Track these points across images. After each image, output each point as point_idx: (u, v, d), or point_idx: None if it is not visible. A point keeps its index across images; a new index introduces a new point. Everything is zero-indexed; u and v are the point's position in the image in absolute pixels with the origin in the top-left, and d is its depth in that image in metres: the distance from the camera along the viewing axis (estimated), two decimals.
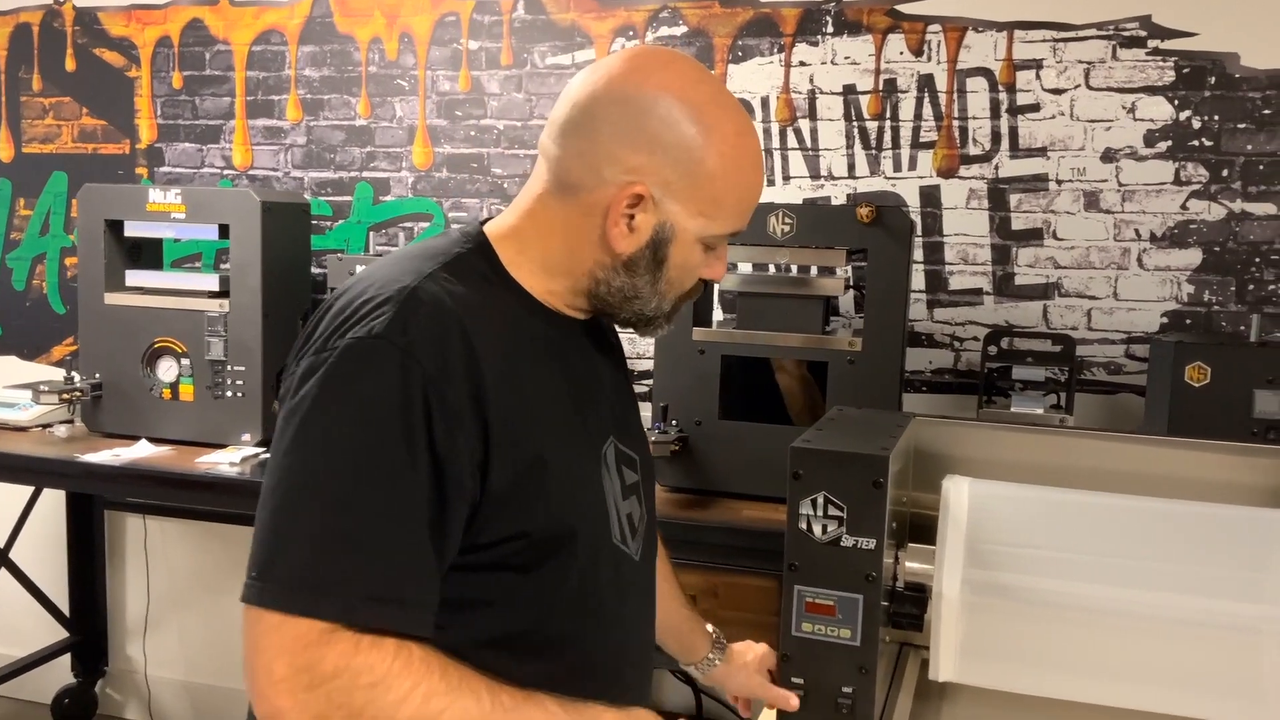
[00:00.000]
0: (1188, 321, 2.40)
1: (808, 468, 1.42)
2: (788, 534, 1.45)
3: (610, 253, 1.08)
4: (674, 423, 2.23)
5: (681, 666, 1.52)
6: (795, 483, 1.43)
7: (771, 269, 2.59)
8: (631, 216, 1.06)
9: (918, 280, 2.55)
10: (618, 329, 1.26)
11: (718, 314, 2.51)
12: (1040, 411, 2.19)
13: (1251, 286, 2.37)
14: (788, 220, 2.15)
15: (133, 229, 2.69)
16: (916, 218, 2.54)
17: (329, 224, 3.03)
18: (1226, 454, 1.55)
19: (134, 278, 2.72)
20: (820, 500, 1.42)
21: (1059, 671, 1.44)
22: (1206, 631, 1.36)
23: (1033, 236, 2.48)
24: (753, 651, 1.53)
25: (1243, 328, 2.34)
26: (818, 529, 1.42)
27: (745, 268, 2.58)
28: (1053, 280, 2.47)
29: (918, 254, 2.55)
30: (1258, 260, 2.37)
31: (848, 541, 1.40)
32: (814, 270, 2.47)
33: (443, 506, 0.94)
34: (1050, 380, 2.28)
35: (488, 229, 1.12)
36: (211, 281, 2.64)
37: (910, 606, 1.48)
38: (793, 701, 1.37)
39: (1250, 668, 1.32)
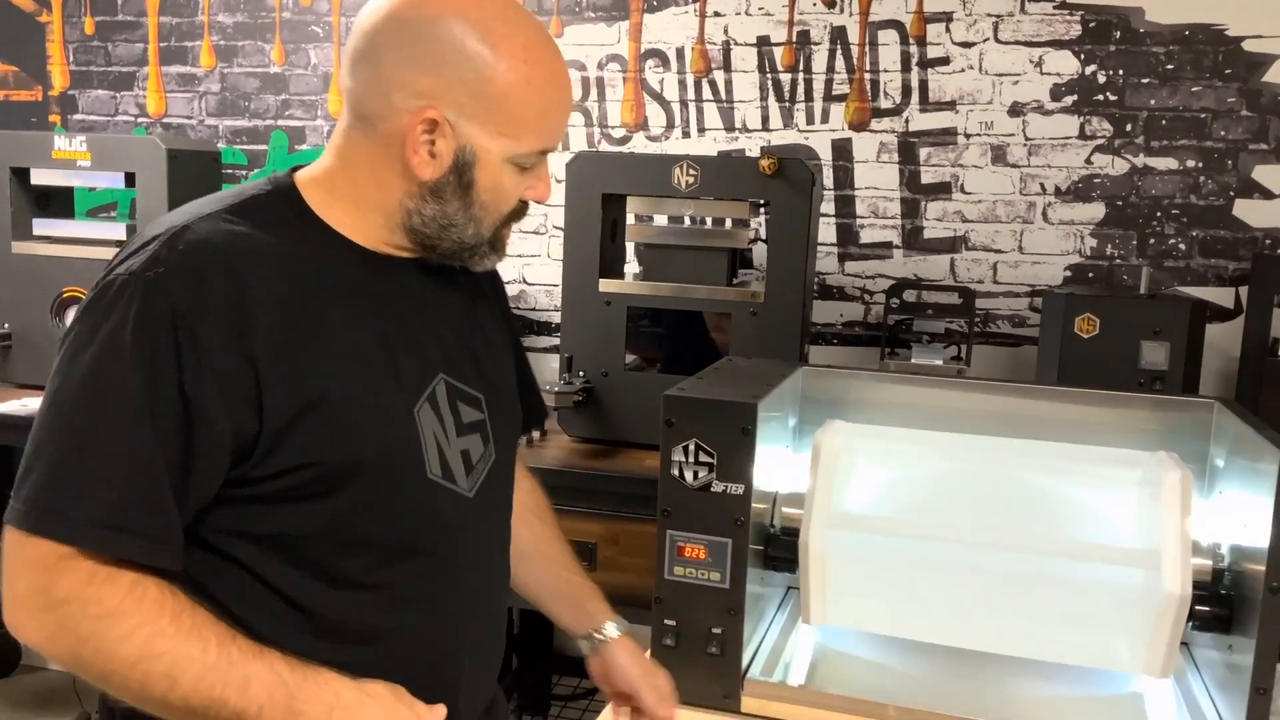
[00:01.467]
0: (1090, 275, 2.45)
1: (679, 415, 1.45)
2: (660, 480, 1.48)
3: (415, 181, 1.06)
4: (580, 374, 2.25)
5: (572, 636, 1.41)
6: (668, 430, 1.46)
7: (687, 221, 2.60)
8: (432, 142, 1.04)
9: (829, 234, 2.58)
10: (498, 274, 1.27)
11: (633, 267, 2.52)
12: (939, 363, 2.23)
13: (1152, 240, 2.42)
14: (692, 172, 2.16)
15: (39, 177, 2.65)
16: (828, 171, 2.56)
17: (244, 173, 3.00)
18: (1098, 404, 1.59)
19: (42, 227, 2.68)
20: (691, 447, 1.45)
21: (925, 614, 1.48)
22: (1072, 571, 1.41)
23: (941, 190, 2.51)
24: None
25: (1132, 279, 2.40)
26: (689, 475, 1.45)
27: (661, 220, 2.59)
28: (960, 234, 2.51)
29: (829, 207, 2.57)
30: (1159, 215, 2.41)
31: (718, 487, 1.44)
32: (729, 223, 2.48)
33: (189, 442, 0.95)
34: (951, 332, 2.32)
35: (299, 174, 1.11)
36: (119, 231, 2.61)
37: (785, 550, 1.52)
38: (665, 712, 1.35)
39: (1121, 609, 1.37)
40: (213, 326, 0.95)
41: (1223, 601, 1.39)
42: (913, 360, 2.24)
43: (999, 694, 1.47)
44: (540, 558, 1.38)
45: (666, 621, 1.47)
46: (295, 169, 1.13)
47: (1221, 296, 2.40)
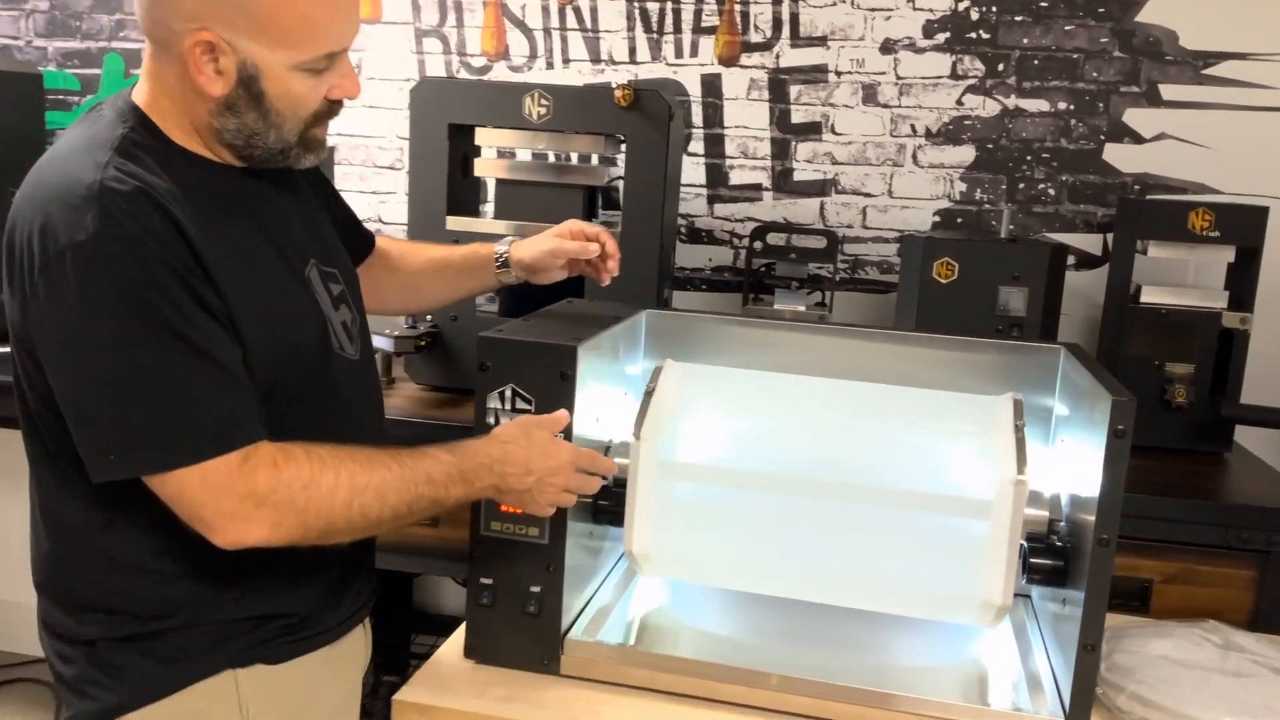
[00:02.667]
0: (959, 220, 2.41)
1: (495, 358, 1.35)
2: (475, 428, 1.38)
3: (209, 99, 1.13)
4: (427, 318, 2.12)
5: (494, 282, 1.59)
6: (483, 375, 1.36)
7: (552, 157, 2.48)
8: (215, 60, 1.10)
9: (698, 174, 2.48)
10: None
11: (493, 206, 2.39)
12: (802, 308, 2.16)
13: (1022, 185, 2.38)
14: (544, 102, 2.04)
15: None
16: (697, 109, 2.46)
17: (76, 99, 2.77)
18: (948, 349, 1.54)
19: None
20: (508, 393, 1.35)
21: (759, 566, 1.42)
22: (906, 521, 1.35)
23: (811, 131, 2.43)
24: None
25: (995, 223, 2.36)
26: (503, 422, 1.35)
27: (524, 155, 2.46)
28: (830, 177, 2.44)
29: (699, 147, 2.48)
30: (1029, 159, 2.37)
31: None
32: (595, 159, 2.37)
33: (224, 340, 1.10)
34: (821, 278, 2.25)
35: (136, 99, 1.17)
36: None
37: (611, 502, 1.43)
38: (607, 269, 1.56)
39: (952, 560, 1.32)
40: (177, 258, 1.06)
41: (1058, 553, 1.35)
42: (775, 306, 2.17)
43: (831, 648, 1.42)
44: (422, 263, 1.59)
45: (483, 580, 1.38)
46: (128, 96, 1.18)
47: (1089, 243, 2.38)
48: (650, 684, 1.33)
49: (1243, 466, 2.03)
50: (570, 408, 1.32)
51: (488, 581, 1.38)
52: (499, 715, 1.27)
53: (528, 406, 1.34)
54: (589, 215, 2.13)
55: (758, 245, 2.24)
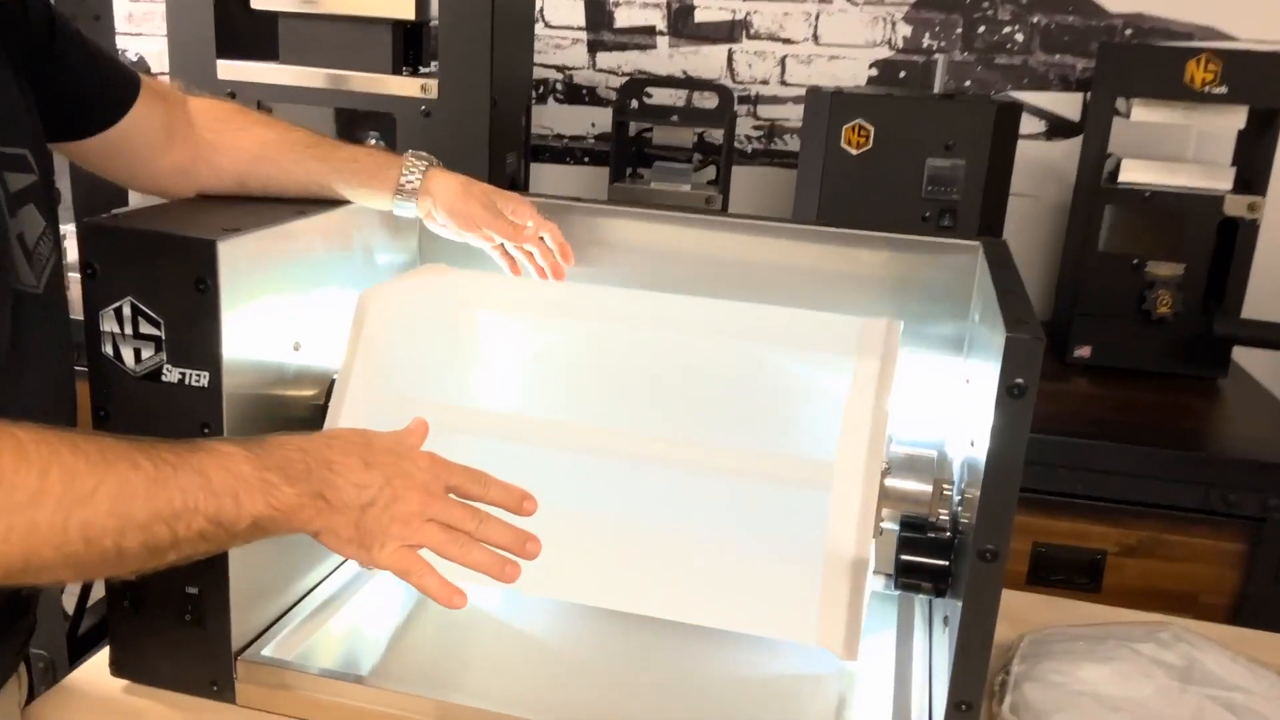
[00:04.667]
0: (902, 75, 1.92)
1: (106, 258, 0.92)
2: (89, 362, 0.96)
3: None
4: None
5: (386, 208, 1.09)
6: (90, 282, 0.93)
7: None
8: None
9: (575, 13, 1.99)
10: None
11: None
12: (686, 188, 1.71)
13: (982, 28, 1.89)
14: None
15: None
16: None
17: None
18: (834, 245, 1.11)
19: None
20: (127, 311, 0.92)
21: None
22: (728, 495, 0.94)
23: None
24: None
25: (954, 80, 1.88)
26: (128, 355, 0.93)
27: None
28: (740, 17, 1.94)
29: None
30: None
31: (170, 375, 0.92)
32: None
33: None
34: (708, 146, 1.79)
35: None
36: None
37: None
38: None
39: (787, 556, 0.91)
40: None
41: (940, 549, 0.93)
42: (651, 185, 1.71)
43: (639, 660, 1.03)
44: (266, 143, 1.06)
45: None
46: None
47: (1066, 105, 1.90)
48: None
49: (1239, 401, 1.61)
50: (215, 335, 0.89)
51: (129, 578, 0.98)
52: None
53: (155, 332, 0.91)
54: (404, 65, 1.66)
55: (632, 103, 1.77)
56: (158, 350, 0.93)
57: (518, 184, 1.75)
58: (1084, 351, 1.66)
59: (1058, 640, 1.09)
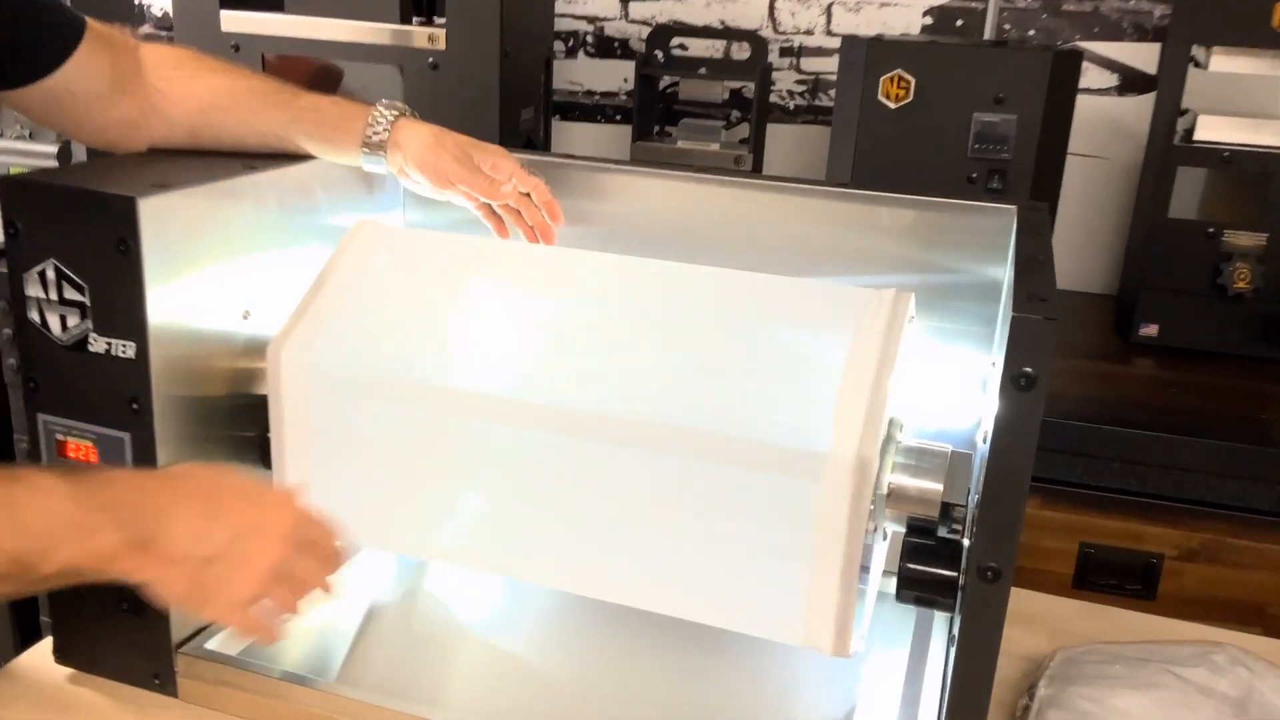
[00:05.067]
0: (959, 23, 1.76)
1: (28, 218, 0.84)
2: (16, 329, 0.89)
3: None
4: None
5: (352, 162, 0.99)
6: (11, 241, 0.85)
7: None
8: None
9: None
10: None
11: None
12: (715, 148, 1.59)
13: None
14: None
15: None
16: None
17: None
18: (861, 205, 0.99)
19: None
20: (50, 274, 0.85)
21: (474, 534, 0.92)
22: (711, 482, 0.83)
23: None
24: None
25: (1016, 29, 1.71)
26: (54, 322, 0.86)
27: None
28: None
29: None
30: None
31: (97, 345, 0.85)
32: None
33: None
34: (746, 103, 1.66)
35: None
36: None
37: (257, 431, 0.94)
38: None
39: (771, 548, 0.80)
40: None
41: (949, 558, 0.82)
42: (678, 144, 1.60)
43: (625, 666, 0.94)
44: (219, 92, 0.96)
45: None
46: None
47: (1142, 56, 1.72)
48: None
49: None
50: (139, 302, 0.81)
51: None
52: None
53: (80, 298, 0.84)
54: (411, 11, 1.57)
55: (658, 55, 1.65)
56: (83, 317, 0.85)
57: (535, 141, 1.65)
58: (1150, 330, 1.50)
59: (1094, 660, 0.97)
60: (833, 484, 0.75)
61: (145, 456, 0.85)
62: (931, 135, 1.36)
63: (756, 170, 1.59)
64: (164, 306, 0.84)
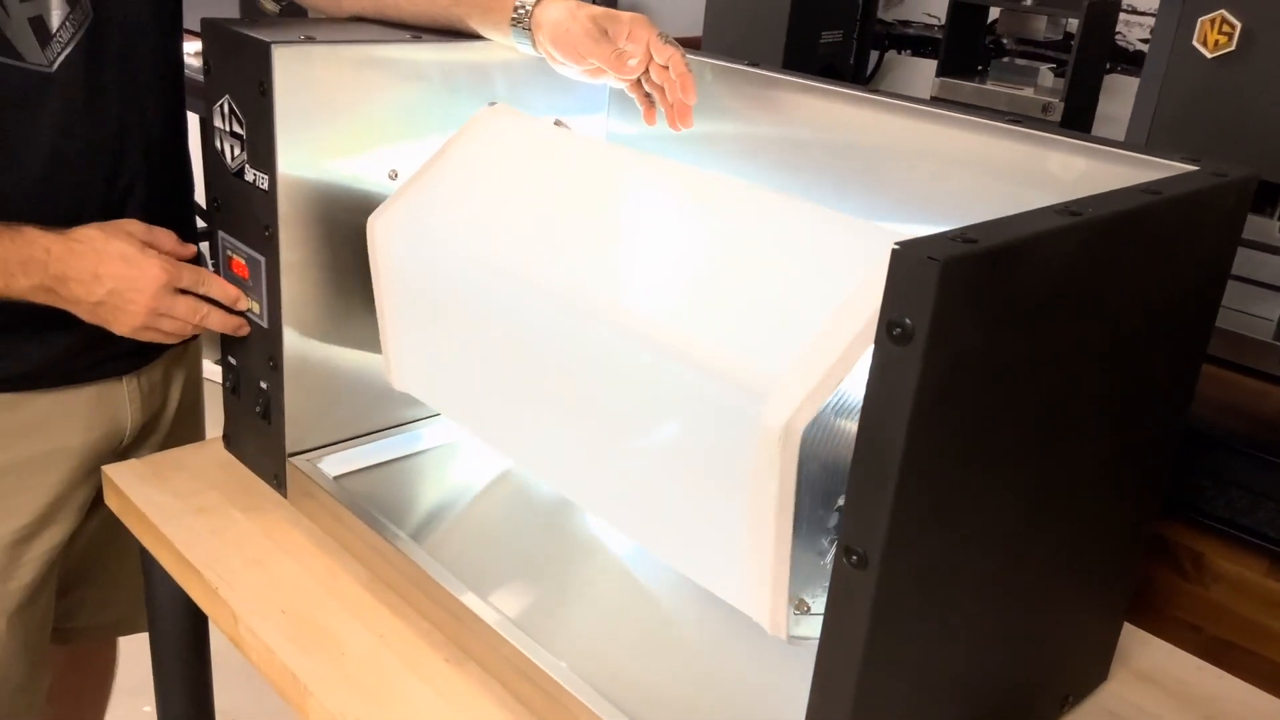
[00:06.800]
0: None
1: (215, 57, 0.98)
2: (204, 156, 1.04)
3: None
4: None
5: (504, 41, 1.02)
6: (208, 79, 1.00)
7: None
8: None
9: None
10: None
11: None
12: (1028, 93, 1.41)
13: None
14: None
15: None
16: None
17: None
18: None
19: None
20: (226, 108, 0.99)
21: (490, 414, 0.93)
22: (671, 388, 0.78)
23: None
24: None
25: None
26: (227, 151, 1.00)
27: None
28: None
29: None
30: None
31: (249, 175, 0.98)
32: None
33: None
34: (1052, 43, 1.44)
35: None
36: None
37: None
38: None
39: (711, 495, 0.74)
40: None
41: None
42: (986, 85, 1.44)
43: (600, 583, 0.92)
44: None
45: (229, 358, 1.08)
46: None
47: None
48: (364, 559, 0.97)
49: None
50: (270, 141, 0.92)
51: (232, 361, 1.08)
52: (168, 535, 0.99)
53: (241, 131, 0.97)
54: None
55: None
56: (242, 149, 0.98)
57: (840, 70, 1.56)
58: None
59: None
60: (775, 414, 0.65)
61: (273, 283, 0.96)
62: (1262, 94, 1.10)
63: (1065, 122, 1.38)
64: (296, 150, 0.94)
